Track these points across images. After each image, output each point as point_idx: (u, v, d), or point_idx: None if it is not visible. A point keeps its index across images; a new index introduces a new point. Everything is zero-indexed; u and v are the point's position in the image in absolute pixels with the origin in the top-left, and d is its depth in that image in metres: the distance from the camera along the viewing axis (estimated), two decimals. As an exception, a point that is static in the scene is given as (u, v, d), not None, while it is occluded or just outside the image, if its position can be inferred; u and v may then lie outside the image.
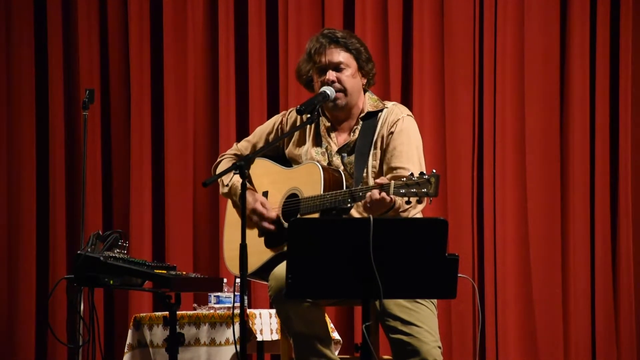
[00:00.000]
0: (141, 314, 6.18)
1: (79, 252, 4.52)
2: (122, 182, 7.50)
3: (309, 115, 4.54)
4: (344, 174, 4.52)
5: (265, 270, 4.52)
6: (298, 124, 4.70)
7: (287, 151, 4.72)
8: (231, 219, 4.76)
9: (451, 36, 6.95)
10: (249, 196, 4.57)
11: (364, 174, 4.51)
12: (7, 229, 7.53)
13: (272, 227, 4.58)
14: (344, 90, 4.59)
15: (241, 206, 4.14)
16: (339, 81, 4.60)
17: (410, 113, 4.63)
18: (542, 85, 6.80)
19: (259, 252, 4.57)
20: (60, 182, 7.50)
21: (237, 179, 4.67)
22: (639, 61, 6.74)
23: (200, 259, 7.38)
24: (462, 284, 6.38)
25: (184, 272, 4.66)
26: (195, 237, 7.38)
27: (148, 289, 4.64)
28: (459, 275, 3.85)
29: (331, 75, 4.60)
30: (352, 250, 3.79)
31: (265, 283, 4.52)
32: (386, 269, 3.78)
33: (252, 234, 4.62)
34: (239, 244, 4.10)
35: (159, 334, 5.99)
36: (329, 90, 4.58)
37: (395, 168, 4.48)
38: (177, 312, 4.59)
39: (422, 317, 4.35)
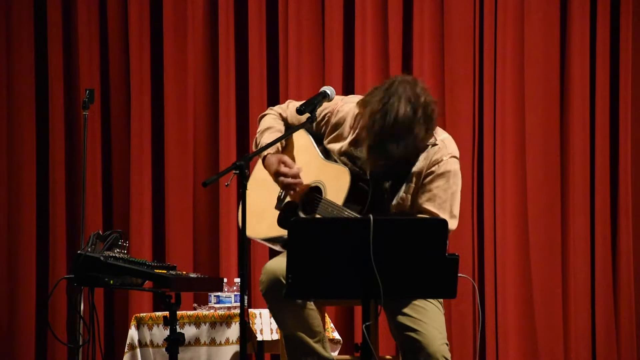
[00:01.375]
0: (141, 314, 6.18)
1: (79, 252, 4.52)
2: (122, 182, 7.50)
3: (309, 115, 4.50)
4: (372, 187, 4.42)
5: (271, 242, 4.52)
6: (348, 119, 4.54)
7: (325, 140, 4.59)
8: (258, 175, 4.63)
9: (451, 36, 6.95)
10: (272, 158, 4.51)
11: (392, 202, 4.42)
12: (7, 229, 7.53)
13: (297, 185, 4.46)
14: None
15: (242, 209, 4.13)
16: None
17: (455, 154, 4.45)
18: (542, 85, 6.80)
19: (269, 224, 4.50)
20: (60, 182, 7.50)
21: (264, 140, 4.53)
22: (639, 61, 6.74)
23: (200, 259, 7.38)
24: (462, 284, 6.38)
25: (184, 272, 4.66)
26: (195, 237, 7.38)
27: (148, 289, 4.64)
28: (459, 275, 3.85)
29: None
30: (352, 250, 3.79)
31: (273, 247, 4.50)
32: (386, 269, 3.79)
33: (271, 200, 4.55)
34: (257, 211, 4.07)
35: (159, 334, 5.99)
36: (328, 90, 4.54)
37: (425, 211, 4.38)
38: (177, 312, 4.59)
39: (429, 315, 4.34)
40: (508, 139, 6.83)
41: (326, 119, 4.57)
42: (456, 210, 4.44)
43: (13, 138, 7.59)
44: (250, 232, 4.52)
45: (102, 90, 7.55)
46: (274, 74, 7.32)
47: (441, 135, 4.46)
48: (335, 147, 4.53)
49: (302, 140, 4.62)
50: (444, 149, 4.43)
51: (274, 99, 7.29)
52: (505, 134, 6.83)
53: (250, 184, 4.65)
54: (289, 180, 4.46)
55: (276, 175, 4.48)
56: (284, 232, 4.45)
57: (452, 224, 4.36)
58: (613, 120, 6.76)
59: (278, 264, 4.32)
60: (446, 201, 4.41)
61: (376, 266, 3.77)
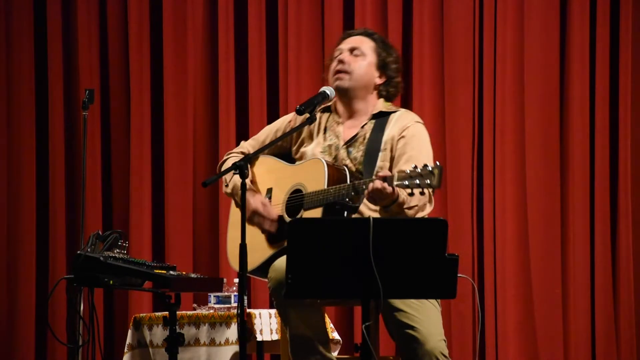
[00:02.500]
0: (141, 314, 6.18)
1: (79, 252, 4.52)
2: (122, 182, 7.50)
3: (308, 116, 4.53)
4: (349, 169, 4.50)
5: (267, 267, 4.53)
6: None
7: (294, 148, 4.71)
8: (234, 218, 4.77)
9: (451, 36, 6.95)
10: (249, 197, 4.57)
11: (373, 173, 4.49)
12: (7, 229, 7.53)
13: (272, 229, 4.57)
14: (348, 72, 4.57)
15: (241, 206, 4.14)
16: (347, 63, 4.58)
17: (421, 120, 4.62)
18: (542, 86, 6.80)
19: (261, 249, 4.57)
20: (60, 182, 7.50)
21: (237, 179, 4.67)
22: (639, 61, 6.74)
23: (200, 259, 7.38)
24: (462, 284, 6.37)
25: (184, 272, 4.67)
26: (195, 237, 7.38)
27: (148, 289, 4.65)
28: (459, 275, 3.86)
29: (343, 55, 4.58)
30: (352, 250, 3.79)
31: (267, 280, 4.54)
32: (386, 269, 3.79)
33: (255, 231, 4.62)
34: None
35: (158, 334, 5.99)
36: (328, 90, 4.57)
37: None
38: (177, 312, 4.59)
39: (426, 311, 4.36)
40: (508, 139, 6.82)
41: (291, 128, 4.71)
42: None
43: (13, 138, 7.59)
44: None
45: (102, 90, 7.55)
46: (274, 74, 7.32)
47: (400, 109, 4.66)
48: (309, 145, 4.66)
49: (263, 166, 4.72)
50: (408, 114, 4.61)
51: (274, 99, 7.29)
52: (505, 134, 6.83)
53: (230, 226, 4.74)
54: (266, 225, 4.57)
55: (253, 213, 4.56)
56: (279, 247, 4.50)
57: None
58: (613, 120, 6.75)
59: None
60: (423, 161, 4.43)
61: (376, 266, 3.77)
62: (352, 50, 4.61)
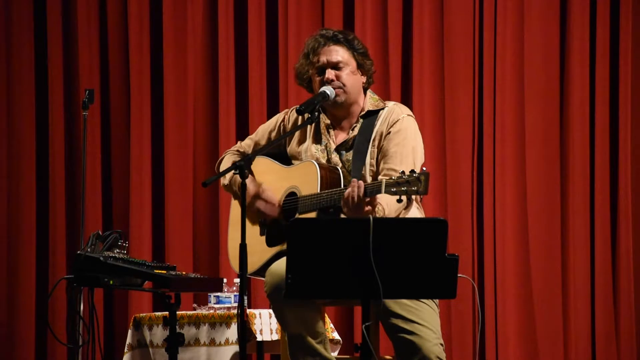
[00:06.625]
0: (141, 314, 6.18)
1: (79, 252, 4.52)
2: (122, 182, 7.50)
3: (309, 115, 4.55)
4: (342, 171, 4.53)
5: (267, 268, 4.54)
6: (299, 122, 4.71)
7: (288, 149, 4.75)
8: (234, 217, 4.77)
9: (451, 36, 6.95)
10: (249, 183, 4.58)
11: (362, 172, 4.53)
12: (7, 229, 7.53)
13: (274, 213, 4.59)
14: (342, 87, 4.61)
15: (241, 207, 4.14)
16: (338, 79, 4.61)
17: (410, 113, 4.64)
18: (542, 85, 6.80)
19: (260, 251, 4.58)
20: (60, 182, 7.50)
21: (237, 179, 4.69)
22: (639, 61, 6.74)
23: (200, 259, 7.38)
24: (462, 284, 6.38)
25: (184, 272, 4.67)
26: (195, 237, 7.38)
27: (148, 289, 4.65)
28: (459, 275, 3.86)
29: (330, 74, 4.62)
30: (352, 250, 3.79)
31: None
32: (386, 269, 3.79)
33: (254, 233, 4.63)
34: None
35: (158, 334, 5.98)
36: (328, 90, 4.59)
37: (388, 169, 4.49)
38: (177, 312, 4.59)
39: (423, 315, 4.36)
40: (508, 139, 6.83)
41: (283, 128, 4.77)
42: (419, 162, 4.55)
43: (13, 138, 7.59)
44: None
45: (102, 90, 7.55)
46: (274, 73, 7.32)
47: (389, 103, 4.67)
48: (302, 147, 4.68)
49: (261, 164, 4.74)
50: (398, 110, 4.62)
51: (274, 99, 7.29)
52: (505, 134, 6.83)
53: (230, 226, 4.76)
54: (267, 210, 4.60)
55: (254, 197, 4.58)
56: (278, 249, 4.50)
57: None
58: (613, 120, 6.75)
59: (283, 266, 4.34)
60: (408, 156, 4.52)
61: (376, 266, 3.77)
62: (334, 65, 4.64)
